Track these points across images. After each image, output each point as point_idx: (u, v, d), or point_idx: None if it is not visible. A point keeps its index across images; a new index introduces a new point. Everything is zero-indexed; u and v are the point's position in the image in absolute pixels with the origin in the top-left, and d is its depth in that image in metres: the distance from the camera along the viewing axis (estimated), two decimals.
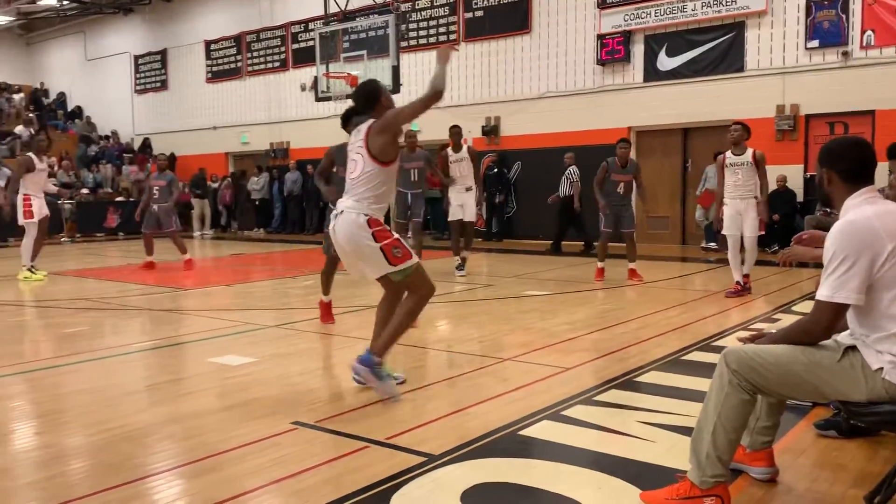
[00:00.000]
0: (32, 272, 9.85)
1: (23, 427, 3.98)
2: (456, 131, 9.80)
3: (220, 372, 4.86)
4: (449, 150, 9.79)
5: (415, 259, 4.05)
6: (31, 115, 22.81)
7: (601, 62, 14.41)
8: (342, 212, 4.06)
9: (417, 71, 16.77)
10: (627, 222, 9.06)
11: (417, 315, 4.20)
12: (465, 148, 9.81)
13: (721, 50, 13.21)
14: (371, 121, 4.16)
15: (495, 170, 15.48)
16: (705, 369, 4.46)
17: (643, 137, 14.34)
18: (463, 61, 16.30)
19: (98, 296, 8.43)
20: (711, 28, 13.28)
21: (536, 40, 15.36)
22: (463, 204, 9.76)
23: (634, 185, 9.17)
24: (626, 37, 14.08)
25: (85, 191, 20.04)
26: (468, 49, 16.27)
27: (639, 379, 4.51)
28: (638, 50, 14.12)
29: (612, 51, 14.28)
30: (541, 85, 15.30)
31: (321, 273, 6.36)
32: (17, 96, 24.40)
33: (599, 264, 9.11)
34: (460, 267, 9.74)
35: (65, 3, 22.45)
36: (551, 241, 13.22)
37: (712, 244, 12.25)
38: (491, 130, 16.00)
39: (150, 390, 4.61)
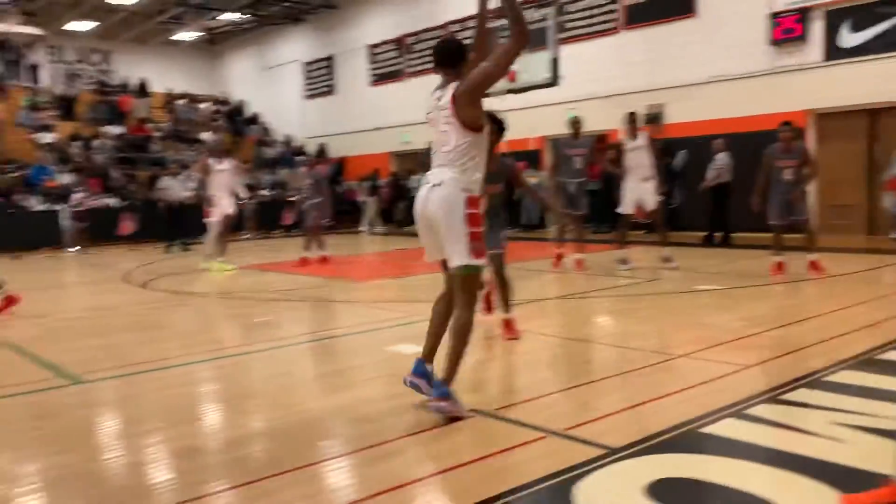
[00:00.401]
0: (221, 265, 10.79)
1: (213, 410, 4.35)
2: (632, 118, 9.28)
3: (396, 360, 5.06)
4: (624, 137, 9.38)
5: (484, 261, 3.81)
6: (217, 122, 24.90)
7: (774, 42, 13.56)
8: (440, 183, 3.72)
9: (577, 62, 16.57)
10: (800, 210, 8.46)
11: (471, 329, 3.81)
12: (642, 135, 9.26)
13: None
14: (454, 84, 3.71)
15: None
16: None
17: (824, 121, 13.34)
18: (624, 48, 15.94)
19: (278, 288, 9.05)
20: None
21: (701, 23, 14.70)
22: (640, 196, 9.26)
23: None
24: (804, 13, 13.16)
25: (263, 192, 21.55)
26: (629, 36, 15.89)
27: (828, 378, 4.22)
28: (817, 27, 13.15)
29: (787, 29, 13.40)
30: (707, 69, 14.62)
31: None
32: (203, 105, 26.65)
33: (776, 258, 8.58)
34: (624, 262, 9.43)
35: (244, 16, 24.22)
36: (721, 234, 12.72)
37: None
38: (654, 118, 15.51)
39: (330, 376, 4.90)
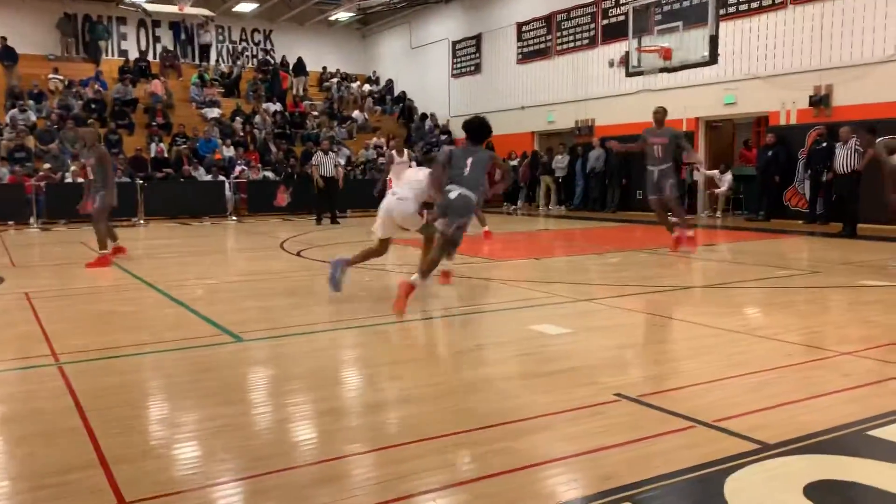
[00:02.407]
0: None
1: (355, 375, 4.48)
2: None
3: (541, 339, 5.04)
4: None
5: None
6: (370, 101, 26.07)
7: None
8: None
9: (736, 40, 15.70)
10: None
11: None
12: None
13: None
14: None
15: (823, 144, 13.97)
16: None
17: None
18: (789, 26, 14.92)
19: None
20: None
21: None
22: None
23: None
24: None
25: None
26: (795, 12, 14.83)
27: None
28: None
29: None
30: (886, 47, 13.41)
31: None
32: (354, 84, 27.57)
33: None
34: None
35: None
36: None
37: None
38: (820, 101, 14.43)
39: (471, 351, 4.93)
